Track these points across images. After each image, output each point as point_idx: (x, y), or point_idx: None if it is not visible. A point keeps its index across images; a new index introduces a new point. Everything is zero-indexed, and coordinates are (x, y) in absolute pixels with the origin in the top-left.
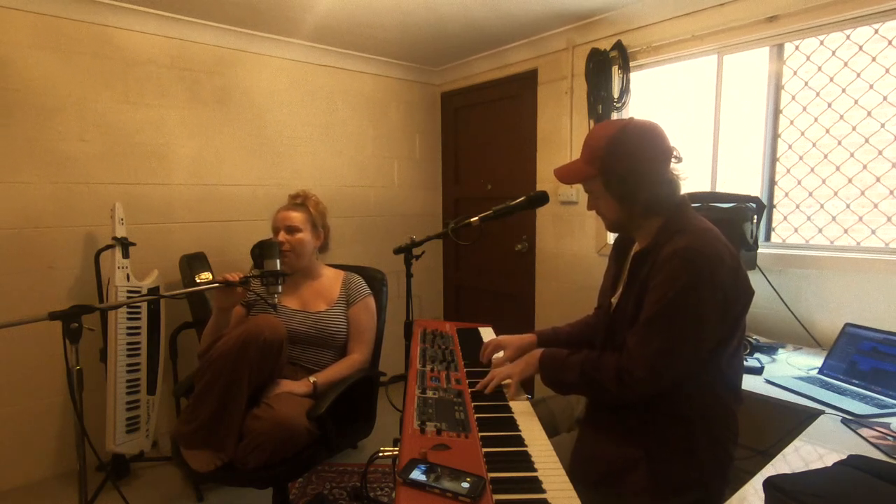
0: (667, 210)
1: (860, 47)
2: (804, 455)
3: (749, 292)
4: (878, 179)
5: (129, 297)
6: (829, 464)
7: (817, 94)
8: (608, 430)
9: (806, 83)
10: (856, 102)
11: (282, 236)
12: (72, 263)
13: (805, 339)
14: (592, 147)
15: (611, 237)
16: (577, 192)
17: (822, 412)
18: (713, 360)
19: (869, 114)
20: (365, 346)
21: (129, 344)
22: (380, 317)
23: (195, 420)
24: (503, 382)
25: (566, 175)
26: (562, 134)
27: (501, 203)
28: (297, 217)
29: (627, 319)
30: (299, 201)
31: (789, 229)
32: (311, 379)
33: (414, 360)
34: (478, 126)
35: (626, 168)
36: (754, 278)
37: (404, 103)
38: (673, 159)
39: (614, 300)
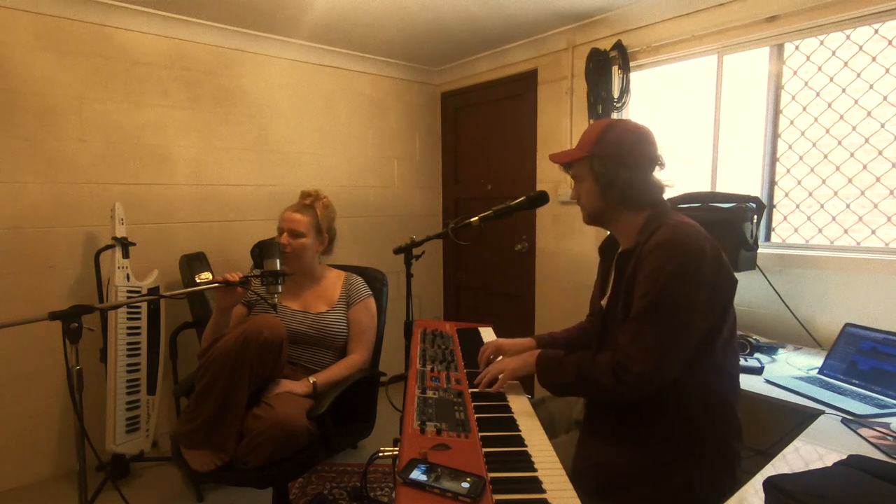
0: (648, 207)
1: (860, 47)
2: (804, 455)
3: (732, 281)
4: (878, 179)
5: (129, 297)
6: (829, 464)
7: (817, 94)
8: (609, 436)
9: (806, 83)
10: (856, 102)
11: (284, 238)
12: (72, 263)
13: (805, 339)
14: (587, 135)
15: None
16: None
17: (822, 412)
18: (707, 354)
19: (869, 114)
20: (365, 347)
21: (129, 344)
22: (380, 317)
23: (195, 419)
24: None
25: (559, 156)
26: (562, 134)
27: (501, 203)
28: (302, 221)
29: (619, 319)
30: (308, 202)
31: (789, 229)
32: (311, 379)
33: (414, 360)
34: (478, 126)
35: (611, 152)
36: (754, 278)
37: (404, 103)
38: (657, 166)
39: (604, 302)
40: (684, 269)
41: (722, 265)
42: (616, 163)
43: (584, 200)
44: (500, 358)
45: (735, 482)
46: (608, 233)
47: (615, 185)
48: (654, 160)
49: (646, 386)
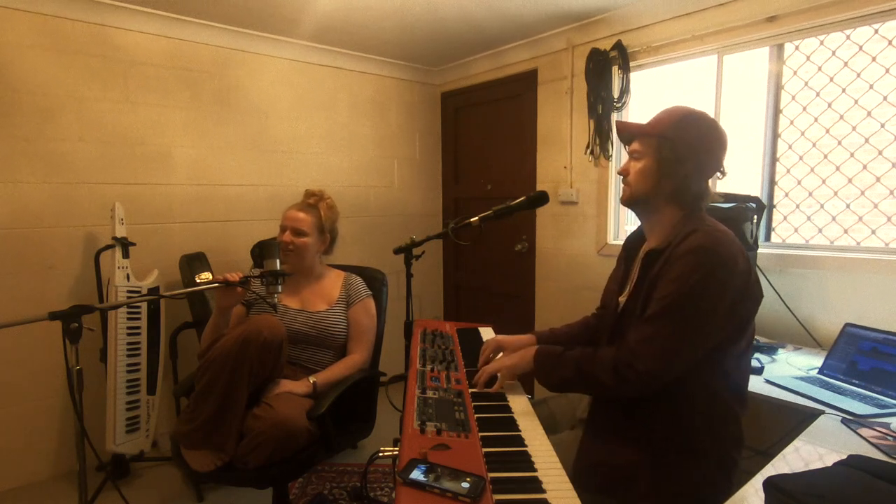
0: (688, 208)
1: (860, 47)
2: (804, 455)
3: (758, 297)
4: (878, 179)
5: (129, 297)
6: (829, 464)
7: (817, 94)
8: (611, 436)
9: (806, 83)
10: (856, 102)
11: (286, 237)
12: (72, 263)
13: (805, 339)
14: (666, 116)
15: (611, 237)
16: (577, 191)
17: (822, 412)
18: (719, 362)
19: (869, 114)
20: (364, 347)
21: (129, 344)
22: (380, 317)
23: (195, 420)
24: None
25: (629, 125)
26: (562, 134)
27: (501, 203)
28: (305, 220)
29: (636, 318)
30: (313, 202)
31: (789, 229)
32: (311, 379)
33: (414, 360)
34: (478, 126)
35: (686, 142)
36: None
37: (404, 103)
38: (718, 173)
39: (622, 299)
40: (712, 276)
41: (750, 279)
42: (685, 154)
43: (633, 178)
44: (500, 355)
45: (730, 486)
46: (623, 230)
47: (674, 176)
48: (718, 166)
49: (648, 386)
